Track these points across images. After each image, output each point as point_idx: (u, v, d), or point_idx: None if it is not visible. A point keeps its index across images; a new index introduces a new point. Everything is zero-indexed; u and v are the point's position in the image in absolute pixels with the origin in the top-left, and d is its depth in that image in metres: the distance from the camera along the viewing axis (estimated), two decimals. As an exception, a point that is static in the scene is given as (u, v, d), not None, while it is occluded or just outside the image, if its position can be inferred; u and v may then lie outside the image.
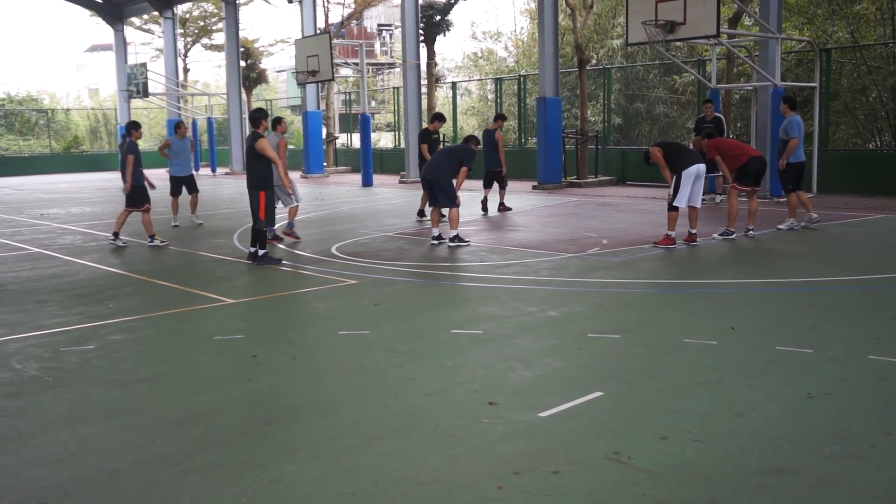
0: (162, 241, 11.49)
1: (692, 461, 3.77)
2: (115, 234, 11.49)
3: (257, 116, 9.69)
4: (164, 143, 14.18)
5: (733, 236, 10.61)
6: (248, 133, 9.92)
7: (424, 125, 18.15)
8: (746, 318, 6.52)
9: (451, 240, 10.57)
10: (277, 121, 11.78)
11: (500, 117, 15.18)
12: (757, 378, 4.96)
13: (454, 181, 10.81)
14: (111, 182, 26.73)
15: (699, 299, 7.48)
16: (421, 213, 13.74)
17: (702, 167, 9.97)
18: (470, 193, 15.36)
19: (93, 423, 4.49)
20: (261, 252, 9.63)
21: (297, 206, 11.89)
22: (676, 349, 5.65)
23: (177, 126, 14.27)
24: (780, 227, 11.43)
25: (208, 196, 18.23)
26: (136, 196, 11.31)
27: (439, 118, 14.21)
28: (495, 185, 14.67)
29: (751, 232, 10.77)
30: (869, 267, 8.76)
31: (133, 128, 11.50)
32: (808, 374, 5.02)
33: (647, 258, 9.43)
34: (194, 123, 35.22)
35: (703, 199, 11.35)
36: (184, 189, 13.96)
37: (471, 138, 11.38)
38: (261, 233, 9.65)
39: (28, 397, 4.96)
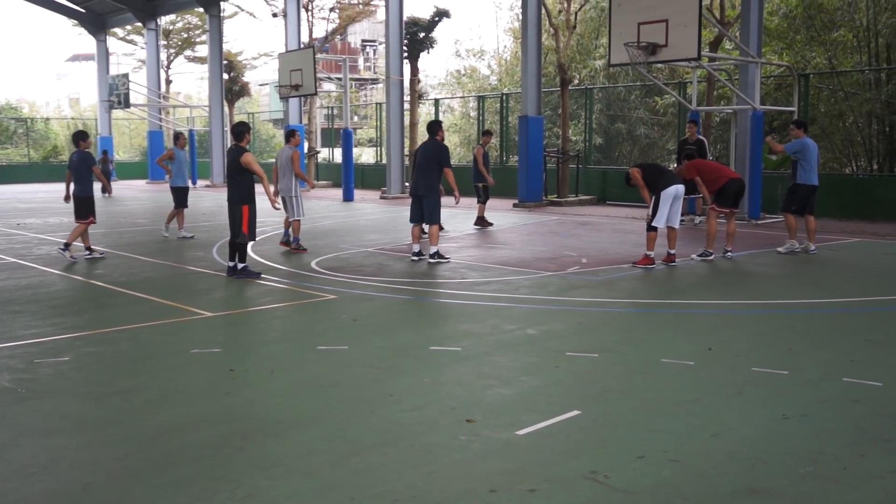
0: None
1: (668, 481, 3.78)
2: (88, 249, 11.41)
3: (241, 130, 9.64)
4: (167, 153, 13.84)
5: (712, 257, 10.70)
6: (229, 146, 9.82)
7: (420, 141, 18.27)
8: (723, 338, 6.57)
9: (432, 256, 10.57)
10: (291, 133, 11.70)
11: (485, 133, 15.92)
12: (733, 399, 5.00)
13: (447, 191, 10.67)
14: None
15: (677, 320, 7.53)
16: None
17: (680, 188, 10.08)
18: (451, 211, 15.37)
19: (66, 436, 4.43)
20: (240, 266, 9.58)
21: (300, 220, 11.85)
22: (654, 369, 5.68)
23: (177, 136, 14.08)
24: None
25: (188, 208, 18.07)
26: (86, 207, 11.29)
27: None
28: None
29: (729, 253, 10.86)
30: (844, 290, 8.87)
31: (81, 138, 11.42)
32: (784, 396, 5.06)
33: (626, 278, 9.49)
34: (176, 135, 35.02)
35: (683, 221, 11.44)
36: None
37: (433, 126, 11.01)
38: (241, 246, 9.61)
39: None
